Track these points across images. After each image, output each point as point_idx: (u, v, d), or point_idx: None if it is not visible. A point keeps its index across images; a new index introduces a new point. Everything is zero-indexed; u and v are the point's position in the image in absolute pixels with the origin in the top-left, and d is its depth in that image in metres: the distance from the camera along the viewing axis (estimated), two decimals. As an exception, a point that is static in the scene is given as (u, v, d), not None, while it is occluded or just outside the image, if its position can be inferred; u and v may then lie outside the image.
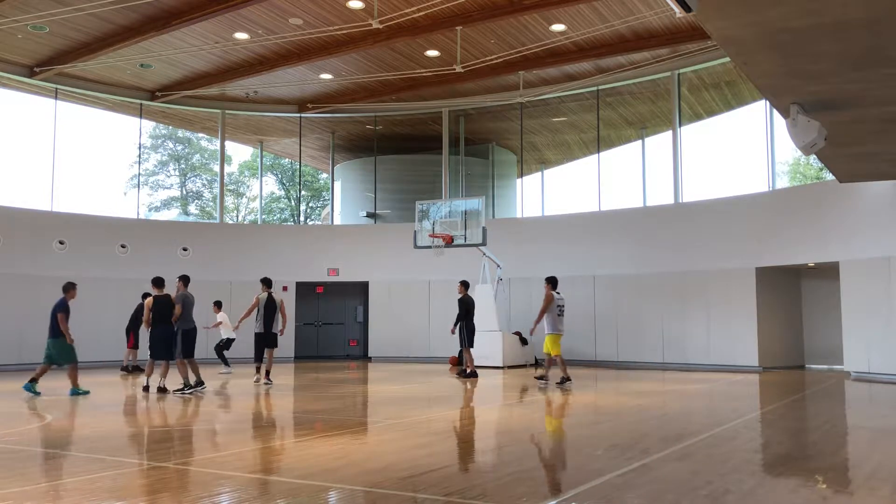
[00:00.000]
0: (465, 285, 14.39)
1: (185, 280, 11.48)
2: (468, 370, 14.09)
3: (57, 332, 10.80)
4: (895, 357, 13.07)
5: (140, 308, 13.84)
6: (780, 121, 11.48)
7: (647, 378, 14.00)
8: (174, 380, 11.26)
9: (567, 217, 19.05)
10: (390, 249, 19.64)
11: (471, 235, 16.67)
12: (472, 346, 14.32)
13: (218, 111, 20.47)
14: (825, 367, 16.40)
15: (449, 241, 16.65)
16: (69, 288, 11.15)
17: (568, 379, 12.02)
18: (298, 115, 20.80)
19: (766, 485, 5.08)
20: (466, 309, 14.27)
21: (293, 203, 35.96)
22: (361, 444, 6.85)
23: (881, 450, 6.45)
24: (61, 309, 10.83)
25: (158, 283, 11.15)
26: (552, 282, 12.32)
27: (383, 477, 5.14)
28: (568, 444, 6.74)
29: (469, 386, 12.67)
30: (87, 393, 10.82)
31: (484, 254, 16.95)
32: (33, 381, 10.80)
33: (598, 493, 4.65)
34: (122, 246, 18.30)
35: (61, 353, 10.88)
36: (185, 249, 19.17)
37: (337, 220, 23.38)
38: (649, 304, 17.05)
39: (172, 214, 35.44)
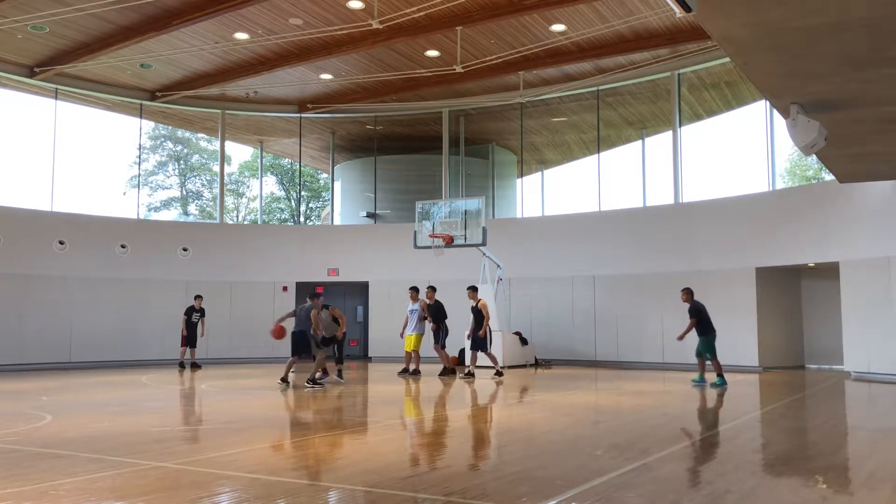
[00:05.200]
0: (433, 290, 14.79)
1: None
2: (448, 367, 14.58)
3: (705, 329, 12.32)
4: (895, 357, 13.07)
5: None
6: (780, 121, 11.49)
7: (647, 378, 14.00)
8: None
9: (567, 217, 19.05)
10: (390, 249, 19.63)
11: (471, 235, 16.66)
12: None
13: (218, 111, 20.47)
14: (825, 367, 16.40)
15: (449, 242, 16.65)
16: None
17: (414, 371, 14.55)
18: (298, 115, 20.80)
19: (766, 485, 5.08)
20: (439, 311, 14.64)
21: (293, 203, 35.95)
22: (361, 444, 6.85)
23: (881, 450, 6.45)
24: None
25: (419, 289, 14.68)
26: (417, 290, 14.74)
27: (383, 477, 5.14)
28: (568, 444, 6.74)
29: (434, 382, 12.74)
30: (723, 384, 12.08)
31: (484, 254, 16.95)
32: (718, 374, 12.25)
33: (598, 493, 4.65)
34: (122, 246, 18.31)
35: (706, 348, 12.33)
36: (185, 249, 19.18)
37: (337, 220, 23.37)
38: (649, 304, 17.04)
39: (172, 214, 35.45)
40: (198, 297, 16.83)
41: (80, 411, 8.97)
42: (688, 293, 12.75)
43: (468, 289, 14.33)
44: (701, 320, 12.37)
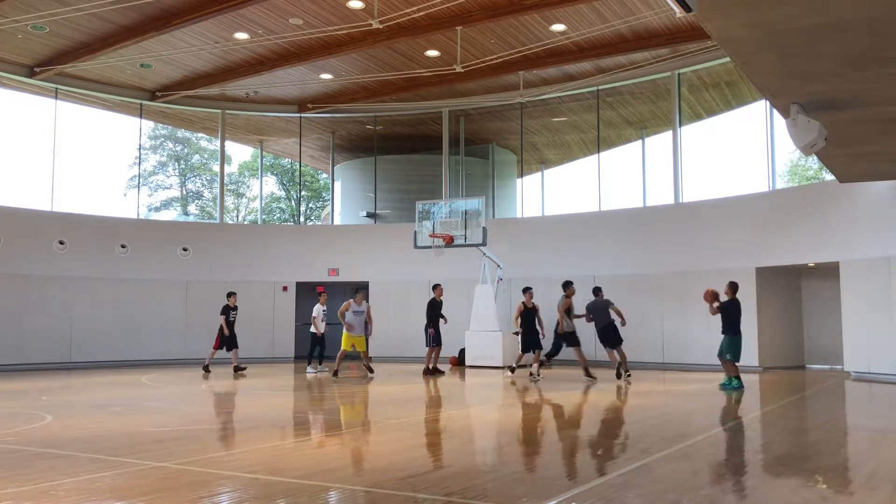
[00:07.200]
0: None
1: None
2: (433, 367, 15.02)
3: (731, 329, 11.80)
4: (895, 357, 13.07)
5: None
6: (780, 121, 11.49)
7: (647, 378, 14.00)
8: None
9: (567, 217, 19.04)
10: (390, 249, 19.63)
11: (471, 235, 16.68)
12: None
13: (218, 111, 20.47)
14: (825, 367, 16.40)
15: (449, 242, 16.67)
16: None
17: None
18: (298, 115, 20.79)
19: (766, 485, 5.08)
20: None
21: (293, 203, 35.96)
22: (361, 444, 6.85)
23: (881, 450, 6.45)
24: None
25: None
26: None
27: (383, 477, 5.14)
28: (568, 444, 6.74)
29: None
30: (740, 387, 11.49)
31: (484, 254, 16.96)
32: (728, 376, 11.74)
33: (598, 493, 4.65)
34: (122, 246, 18.30)
35: (730, 348, 11.78)
36: (185, 249, 19.18)
37: (337, 220, 23.37)
38: (649, 304, 17.03)
39: (172, 214, 35.45)
40: (231, 294, 15.30)
41: (80, 411, 8.97)
42: (732, 288, 12.14)
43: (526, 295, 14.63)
44: (734, 316, 11.86)
